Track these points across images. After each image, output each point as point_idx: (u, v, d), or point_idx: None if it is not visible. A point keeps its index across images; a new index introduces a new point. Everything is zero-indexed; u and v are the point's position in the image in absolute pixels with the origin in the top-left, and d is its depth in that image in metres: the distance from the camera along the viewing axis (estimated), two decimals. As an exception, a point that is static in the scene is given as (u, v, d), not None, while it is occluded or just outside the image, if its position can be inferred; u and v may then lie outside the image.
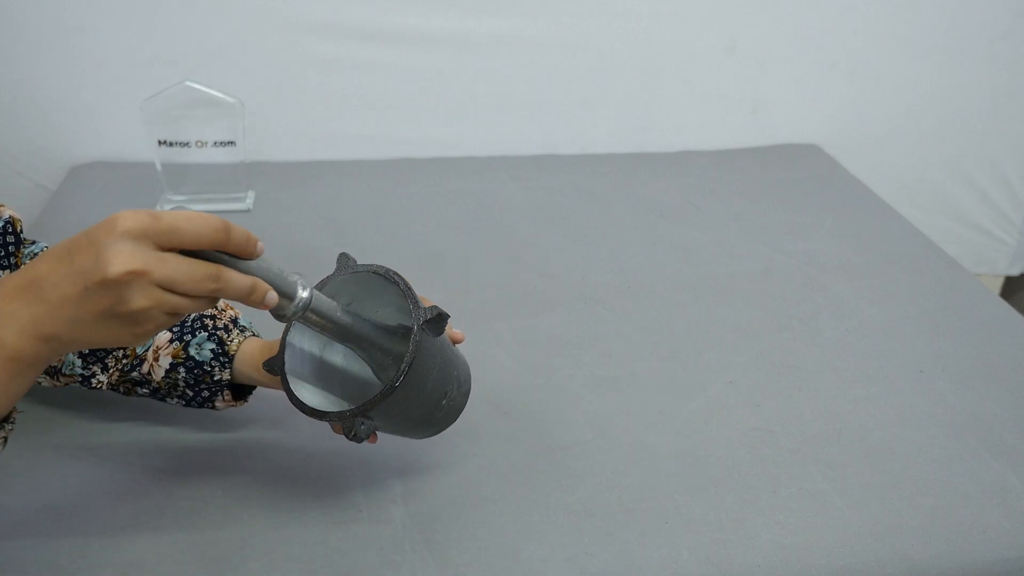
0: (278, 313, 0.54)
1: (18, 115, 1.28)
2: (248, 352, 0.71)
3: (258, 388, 0.75)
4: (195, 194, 1.20)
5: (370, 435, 0.59)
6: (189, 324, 0.71)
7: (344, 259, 0.63)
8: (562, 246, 1.13)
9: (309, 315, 0.56)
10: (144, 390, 0.73)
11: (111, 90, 1.27)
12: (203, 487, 0.70)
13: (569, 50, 1.36)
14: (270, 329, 0.80)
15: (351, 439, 0.58)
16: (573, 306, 0.99)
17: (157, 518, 0.67)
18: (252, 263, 0.50)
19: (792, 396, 0.84)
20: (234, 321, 0.73)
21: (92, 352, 0.70)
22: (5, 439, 0.51)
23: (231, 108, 1.15)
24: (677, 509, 0.70)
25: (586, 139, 1.44)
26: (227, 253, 0.49)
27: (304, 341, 0.65)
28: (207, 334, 0.70)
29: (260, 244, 0.50)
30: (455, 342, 0.69)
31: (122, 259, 0.44)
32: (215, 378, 0.71)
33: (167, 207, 1.18)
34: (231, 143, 1.17)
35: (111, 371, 0.71)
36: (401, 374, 0.57)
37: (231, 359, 0.70)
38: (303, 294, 0.54)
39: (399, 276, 0.61)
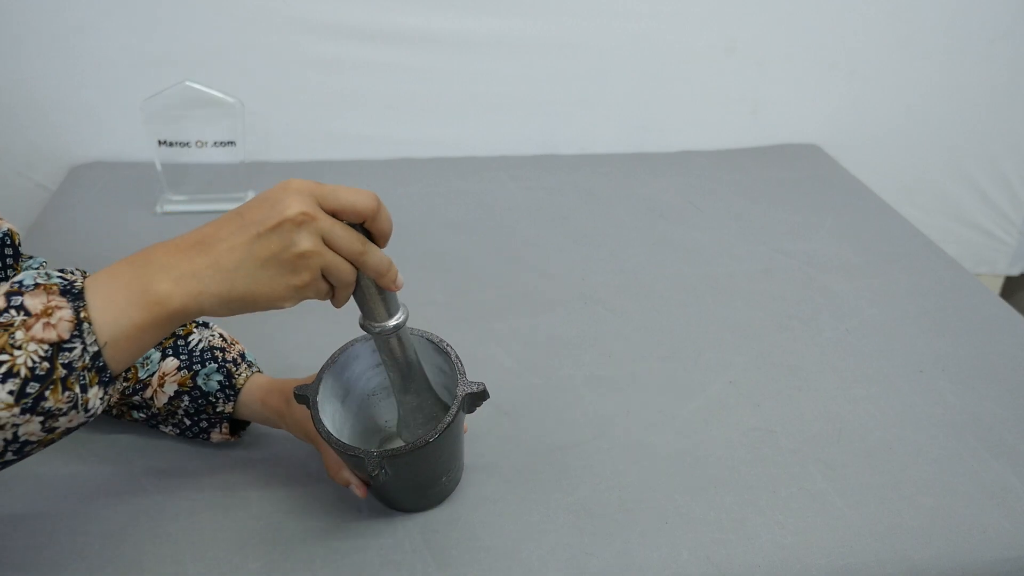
0: (373, 324, 0.57)
1: (18, 115, 1.28)
2: (253, 387, 0.72)
3: (252, 424, 0.77)
4: (195, 194, 1.20)
5: (388, 478, 0.60)
6: (199, 354, 0.72)
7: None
8: (562, 246, 1.13)
9: (394, 337, 0.59)
10: (140, 415, 0.73)
11: (111, 90, 1.27)
12: (203, 487, 0.70)
13: (569, 50, 1.36)
14: (271, 368, 0.81)
15: (371, 478, 0.59)
16: (573, 306, 0.99)
17: (157, 518, 0.67)
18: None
19: (792, 396, 0.84)
20: (242, 355, 0.73)
21: None
22: (109, 398, 0.51)
23: (231, 108, 1.15)
24: (677, 509, 0.70)
25: (586, 139, 1.44)
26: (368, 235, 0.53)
27: (330, 384, 0.65)
28: (216, 366, 0.71)
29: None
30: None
31: (298, 204, 0.49)
32: (217, 410, 0.71)
33: (167, 207, 1.18)
34: (231, 143, 1.17)
35: (110, 392, 0.72)
36: (438, 432, 0.59)
37: (237, 392, 0.71)
38: (401, 314, 0.57)
39: (451, 347, 0.64)
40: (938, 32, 1.43)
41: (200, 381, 0.71)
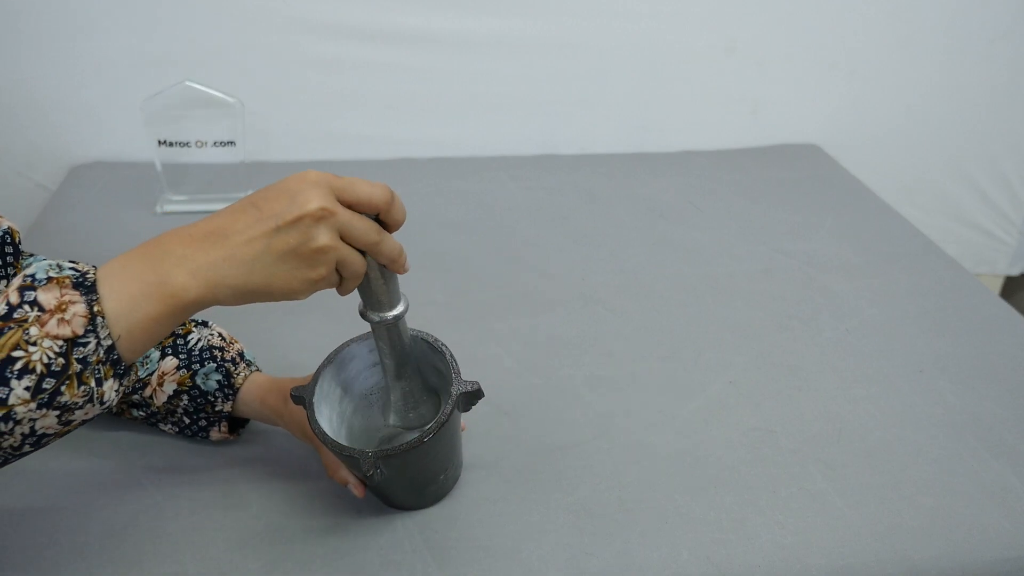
0: (375, 314, 0.57)
1: (18, 115, 1.28)
2: (252, 387, 0.72)
3: (252, 424, 0.77)
4: (195, 194, 1.20)
5: (383, 478, 0.60)
6: (198, 354, 0.72)
7: None
8: (562, 246, 1.13)
9: (393, 328, 0.59)
10: (140, 413, 0.73)
11: (111, 90, 1.27)
12: (203, 487, 0.70)
13: (569, 50, 1.36)
14: (270, 366, 0.81)
15: (367, 477, 0.59)
16: (573, 306, 0.99)
17: (157, 518, 0.67)
18: None
19: (792, 396, 0.84)
20: (240, 355, 0.73)
21: None
22: (123, 389, 0.51)
23: (231, 108, 1.15)
24: (677, 509, 0.70)
25: (586, 139, 1.44)
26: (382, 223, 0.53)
27: (327, 384, 0.65)
28: (215, 365, 0.71)
29: None
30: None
31: (317, 199, 0.49)
32: (216, 408, 0.71)
33: (167, 207, 1.18)
34: (231, 143, 1.17)
35: None
36: (432, 432, 0.59)
37: (235, 391, 0.71)
38: (402, 305, 0.57)
39: (446, 347, 0.64)
40: (938, 32, 1.43)
41: (199, 380, 0.71)
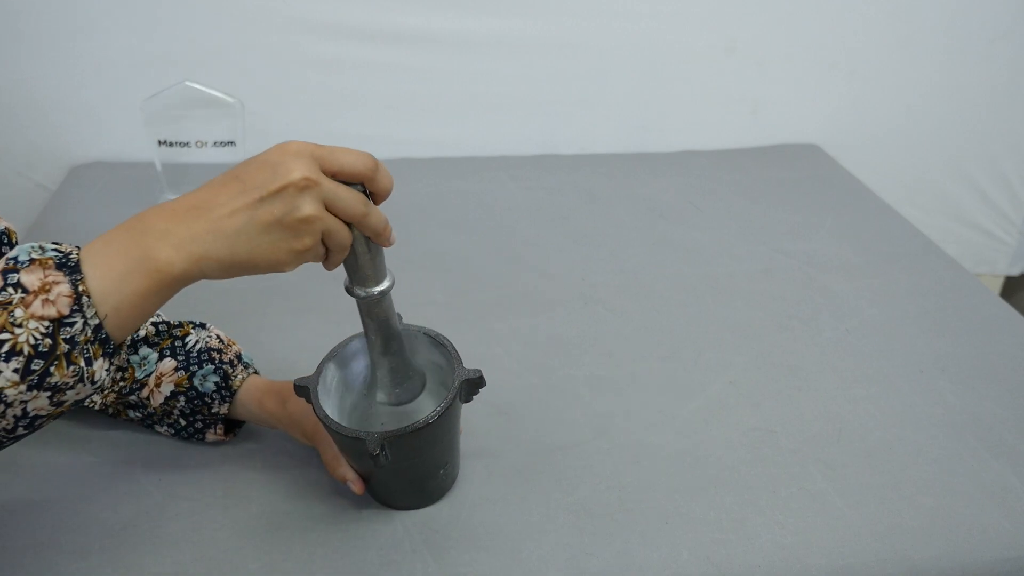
0: (361, 289, 0.57)
1: (18, 115, 1.28)
2: (251, 388, 0.72)
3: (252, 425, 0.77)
4: (195, 194, 1.20)
5: (387, 462, 0.60)
6: (196, 356, 0.72)
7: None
8: (562, 246, 1.13)
9: (379, 304, 0.58)
10: (136, 414, 0.73)
11: (111, 90, 1.27)
12: (203, 487, 0.70)
13: (569, 50, 1.36)
14: (268, 367, 0.81)
15: (372, 459, 0.59)
16: (573, 306, 0.99)
17: (157, 518, 0.67)
18: None
19: (792, 396, 0.84)
20: (238, 357, 0.73)
21: None
22: (115, 371, 0.51)
23: (231, 108, 1.15)
24: (677, 509, 0.70)
25: (586, 139, 1.44)
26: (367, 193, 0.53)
27: (329, 376, 0.66)
28: (213, 367, 0.71)
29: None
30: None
31: (301, 168, 0.48)
32: (212, 411, 0.71)
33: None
34: (231, 143, 1.17)
35: (106, 391, 0.72)
36: (437, 413, 0.60)
37: (233, 394, 0.71)
38: (388, 280, 0.58)
39: (447, 340, 0.65)
40: (938, 32, 1.43)
41: (196, 382, 0.71)
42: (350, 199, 0.51)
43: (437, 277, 1.03)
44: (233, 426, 0.75)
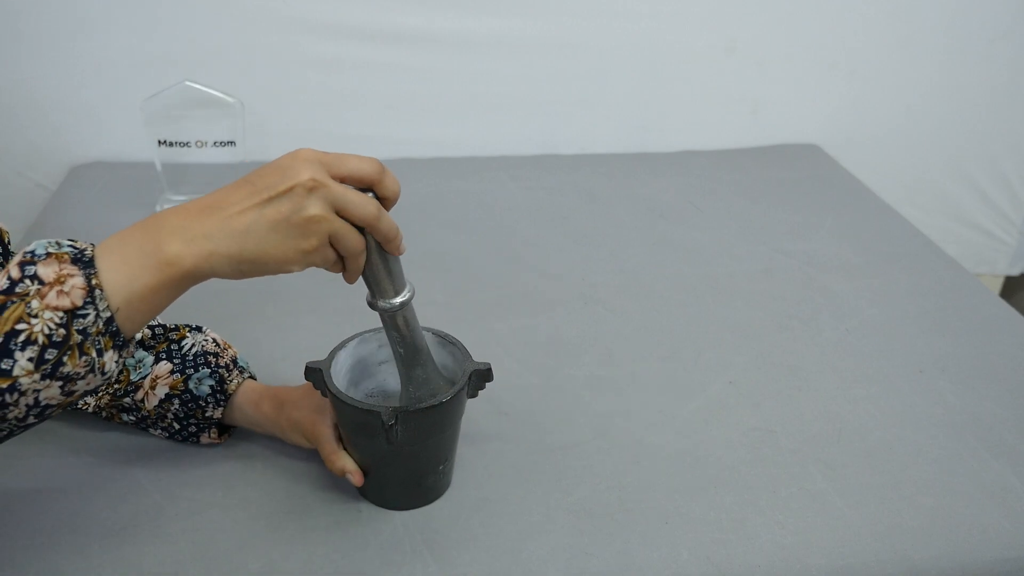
0: (381, 301, 0.58)
1: (18, 115, 1.28)
2: (248, 392, 0.72)
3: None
4: (195, 194, 1.19)
5: (397, 439, 0.62)
6: (192, 359, 0.72)
7: None
8: (562, 246, 1.13)
9: (400, 315, 0.60)
10: (130, 417, 0.73)
11: (111, 90, 1.27)
12: (203, 487, 0.70)
13: (569, 50, 1.36)
14: (264, 370, 0.82)
15: (384, 431, 0.60)
16: (573, 306, 0.99)
17: (157, 518, 0.67)
18: None
19: (792, 396, 0.84)
20: (234, 361, 0.73)
21: None
22: (123, 368, 0.53)
23: (231, 108, 1.15)
24: (677, 509, 0.70)
25: (586, 139, 1.44)
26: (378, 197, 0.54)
27: (339, 364, 0.67)
28: (209, 371, 0.71)
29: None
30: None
31: (309, 171, 0.50)
32: (207, 414, 0.71)
33: (167, 207, 1.18)
34: (231, 143, 1.17)
35: (101, 394, 0.72)
36: (451, 394, 0.62)
37: (228, 397, 0.71)
38: (408, 291, 0.59)
39: (456, 339, 0.67)
40: (938, 32, 1.43)
41: (192, 385, 0.71)
42: (360, 202, 0.52)
43: (437, 277, 1.03)
44: (227, 429, 0.75)
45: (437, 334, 0.68)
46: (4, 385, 0.46)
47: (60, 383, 0.47)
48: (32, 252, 0.48)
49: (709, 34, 1.38)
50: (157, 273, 0.49)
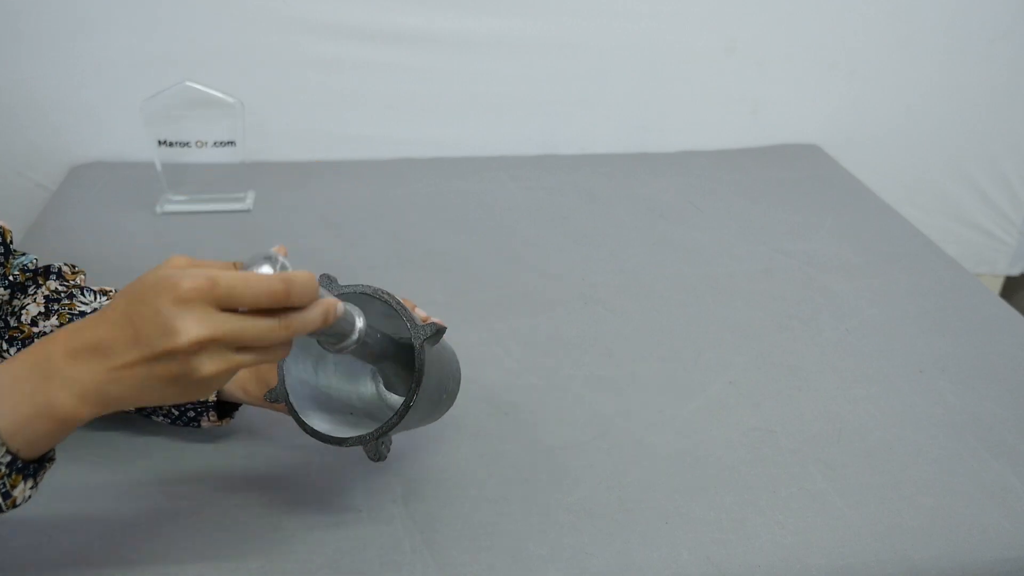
0: (338, 347, 0.53)
1: (18, 115, 1.28)
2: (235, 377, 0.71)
3: (251, 423, 0.76)
4: (195, 194, 1.20)
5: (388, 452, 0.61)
6: None
7: (327, 280, 0.61)
8: (562, 246, 1.13)
9: (362, 342, 0.54)
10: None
11: (111, 90, 1.27)
12: (203, 487, 0.70)
13: (569, 50, 1.36)
14: None
15: (374, 460, 0.60)
16: (573, 306, 0.99)
17: (157, 518, 0.67)
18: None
19: (792, 396, 0.84)
20: None
21: None
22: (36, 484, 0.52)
23: (231, 108, 1.15)
24: (677, 509, 0.70)
25: (586, 139, 1.44)
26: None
27: (295, 366, 0.65)
28: None
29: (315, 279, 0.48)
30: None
31: (188, 328, 0.43)
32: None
33: (167, 207, 1.18)
34: (231, 143, 1.17)
35: None
36: (412, 393, 0.59)
37: None
38: (359, 323, 0.54)
39: (390, 295, 0.61)
40: (938, 32, 1.43)
41: None
42: (260, 333, 0.46)
43: (437, 277, 1.03)
44: (228, 411, 0.75)
45: (366, 292, 0.61)
46: None
47: None
48: None
49: (709, 34, 1.38)
50: (52, 423, 0.47)
